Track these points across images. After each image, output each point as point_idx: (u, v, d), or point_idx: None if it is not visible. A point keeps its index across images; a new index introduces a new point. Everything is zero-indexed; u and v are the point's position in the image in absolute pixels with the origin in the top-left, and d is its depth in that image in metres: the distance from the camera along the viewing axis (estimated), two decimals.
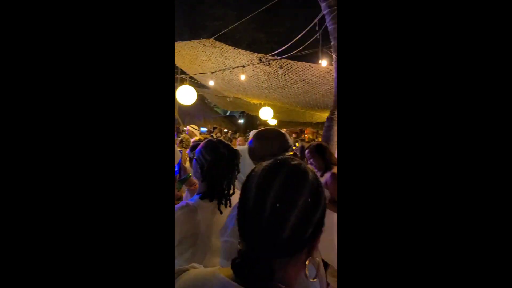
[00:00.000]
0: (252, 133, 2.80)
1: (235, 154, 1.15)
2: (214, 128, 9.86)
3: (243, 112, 13.07)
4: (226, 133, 10.00)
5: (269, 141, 1.09)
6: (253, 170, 0.53)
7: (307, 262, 0.51)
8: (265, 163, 0.52)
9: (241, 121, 14.44)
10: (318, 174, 2.19)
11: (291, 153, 0.98)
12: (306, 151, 2.22)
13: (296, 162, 0.52)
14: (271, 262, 0.47)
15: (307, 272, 0.50)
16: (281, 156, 0.54)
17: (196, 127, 4.82)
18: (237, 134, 8.51)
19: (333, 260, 2.14)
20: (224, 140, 1.22)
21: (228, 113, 14.35)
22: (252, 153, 1.14)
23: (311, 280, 0.52)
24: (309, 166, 0.53)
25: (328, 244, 2.11)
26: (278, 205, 0.47)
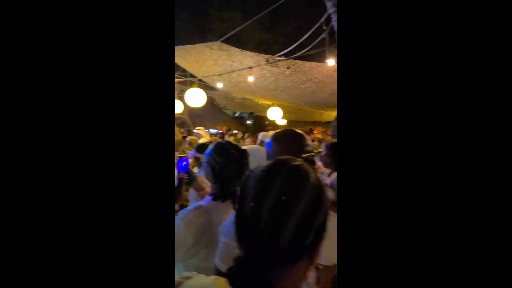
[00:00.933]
0: (261, 135, 2.81)
1: (244, 153, 1.20)
2: (228, 130, 9.87)
3: (252, 113, 13.10)
4: (236, 134, 10.00)
5: (286, 142, 1.07)
6: (251, 171, 0.51)
7: (309, 270, 0.49)
8: (264, 165, 0.50)
9: (249, 122, 14.47)
10: (326, 172, 2.21)
11: (308, 154, 0.96)
12: (323, 146, 2.26)
13: (297, 163, 0.50)
14: (270, 271, 0.45)
15: (308, 281, 0.49)
16: (282, 157, 0.52)
17: (202, 128, 4.88)
18: (246, 135, 8.50)
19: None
20: (232, 141, 1.27)
21: (237, 114, 14.41)
22: (270, 155, 1.12)
23: None
24: (311, 167, 0.51)
25: (332, 248, 2.11)
26: (276, 209, 0.44)
